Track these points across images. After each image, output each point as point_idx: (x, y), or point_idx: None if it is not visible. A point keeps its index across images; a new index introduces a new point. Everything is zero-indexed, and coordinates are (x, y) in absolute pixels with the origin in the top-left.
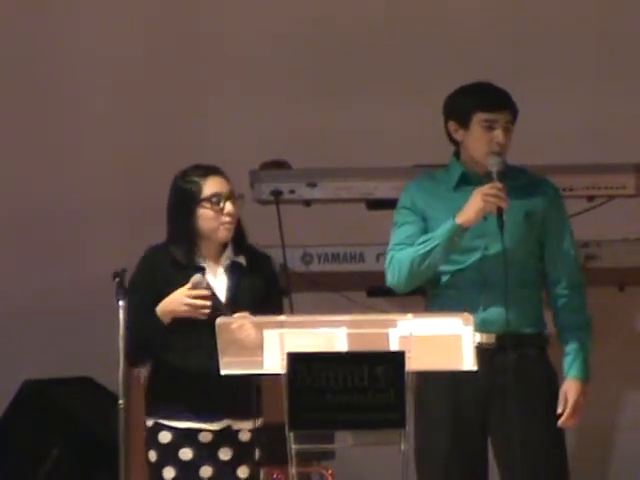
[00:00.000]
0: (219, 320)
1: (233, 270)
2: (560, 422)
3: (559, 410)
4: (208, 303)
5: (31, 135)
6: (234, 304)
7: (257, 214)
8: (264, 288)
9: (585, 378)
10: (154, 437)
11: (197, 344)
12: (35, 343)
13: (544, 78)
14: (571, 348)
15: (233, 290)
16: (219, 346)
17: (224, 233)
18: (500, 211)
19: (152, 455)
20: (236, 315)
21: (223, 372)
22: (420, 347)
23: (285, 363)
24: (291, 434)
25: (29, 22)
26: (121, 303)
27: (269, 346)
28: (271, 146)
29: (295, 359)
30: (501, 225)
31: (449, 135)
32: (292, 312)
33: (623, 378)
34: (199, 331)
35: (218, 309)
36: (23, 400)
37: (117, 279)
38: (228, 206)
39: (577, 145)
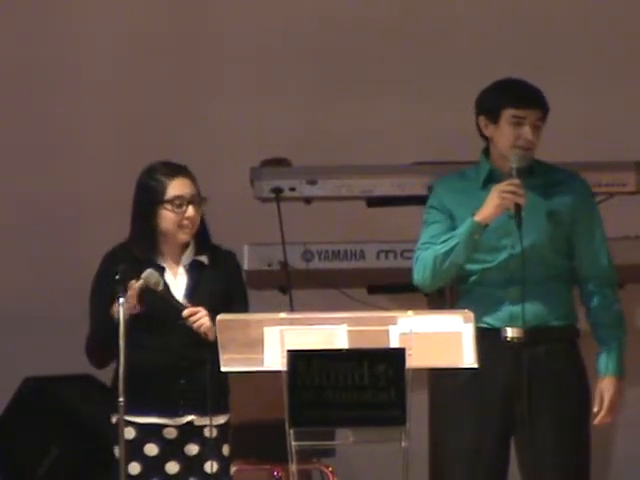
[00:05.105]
0: (219, 317)
1: (194, 269)
2: (596, 420)
3: (595, 409)
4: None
5: (30, 135)
6: (192, 302)
7: (257, 211)
8: (227, 285)
9: (621, 375)
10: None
11: (162, 342)
12: (35, 340)
13: (544, 76)
14: (606, 345)
15: (191, 288)
16: (219, 343)
17: (182, 236)
18: (518, 208)
19: (117, 451)
20: (187, 310)
21: (223, 369)
22: (420, 344)
23: (285, 360)
24: (291, 431)
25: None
26: (120, 300)
27: (269, 343)
28: (272, 143)
29: (295, 356)
30: (519, 221)
31: (479, 130)
32: (292, 309)
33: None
34: (165, 330)
35: (175, 306)
36: (23, 397)
37: (116, 276)
38: (190, 210)
39: (578, 142)
